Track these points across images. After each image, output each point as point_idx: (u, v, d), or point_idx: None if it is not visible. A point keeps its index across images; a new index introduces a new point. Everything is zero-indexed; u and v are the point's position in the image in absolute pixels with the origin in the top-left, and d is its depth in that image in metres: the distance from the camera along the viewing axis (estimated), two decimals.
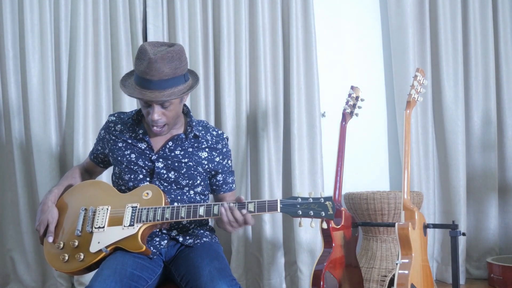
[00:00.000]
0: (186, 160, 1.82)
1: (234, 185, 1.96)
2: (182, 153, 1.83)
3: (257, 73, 3.01)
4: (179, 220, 1.67)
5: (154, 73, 1.63)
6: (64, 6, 2.83)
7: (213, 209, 1.65)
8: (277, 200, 1.61)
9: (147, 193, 1.73)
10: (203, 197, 1.89)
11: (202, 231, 1.87)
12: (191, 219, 1.66)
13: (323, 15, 3.30)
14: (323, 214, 1.58)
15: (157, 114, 1.69)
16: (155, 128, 1.74)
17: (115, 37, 2.88)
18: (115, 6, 2.87)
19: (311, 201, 1.60)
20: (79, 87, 2.78)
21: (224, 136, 1.93)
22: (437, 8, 3.30)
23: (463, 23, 3.33)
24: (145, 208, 1.68)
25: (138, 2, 2.90)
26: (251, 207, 1.63)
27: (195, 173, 1.83)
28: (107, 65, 2.88)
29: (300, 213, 1.59)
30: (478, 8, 3.33)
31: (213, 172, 1.89)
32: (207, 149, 1.87)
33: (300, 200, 1.61)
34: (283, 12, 3.11)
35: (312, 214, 1.59)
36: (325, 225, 1.65)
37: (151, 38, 2.90)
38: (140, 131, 1.83)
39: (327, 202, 1.59)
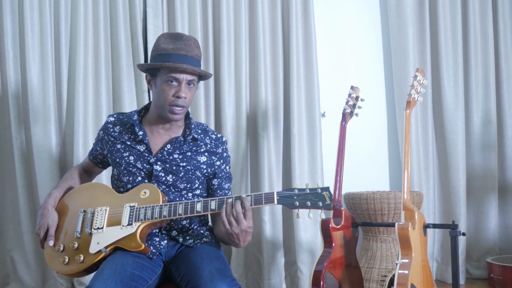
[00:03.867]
0: (184, 164, 1.81)
1: (230, 192, 1.93)
2: (180, 156, 1.82)
3: (257, 73, 3.01)
4: (177, 217, 1.67)
5: (189, 49, 1.76)
6: (64, 6, 2.83)
7: (210, 204, 1.65)
8: (273, 192, 1.61)
9: (145, 192, 1.73)
10: (201, 199, 1.88)
11: (202, 231, 1.87)
12: (189, 215, 1.66)
13: (323, 15, 3.30)
14: (321, 204, 1.58)
15: (184, 92, 1.75)
16: (176, 109, 1.76)
17: (115, 37, 2.89)
18: (115, 6, 2.87)
19: (308, 191, 1.59)
20: (79, 87, 2.78)
21: (224, 140, 1.92)
22: (437, 8, 3.30)
23: (463, 23, 3.33)
24: (143, 207, 1.69)
25: (138, 2, 2.91)
26: (248, 199, 1.62)
27: (193, 177, 1.82)
28: (107, 65, 2.89)
29: (297, 204, 1.59)
30: (478, 8, 3.33)
31: (211, 175, 1.87)
32: (206, 153, 1.85)
33: (297, 191, 1.60)
34: (283, 12, 3.11)
35: (309, 204, 1.58)
36: (323, 215, 1.64)
37: (151, 38, 2.90)
38: (140, 132, 1.82)
39: (324, 192, 1.58)
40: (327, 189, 1.59)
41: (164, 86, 1.75)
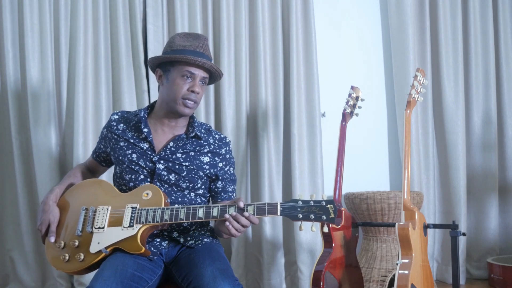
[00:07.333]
0: (187, 163, 1.81)
1: (234, 194, 1.94)
2: (183, 156, 1.82)
3: (257, 73, 3.01)
4: (179, 222, 1.66)
5: (205, 48, 1.83)
6: (64, 6, 2.83)
7: (212, 211, 1.64)
8: (277, 203, 1.59)
9: (147, 194, 1.73)
10: (204, 199, 1.88)
11: (203, 232, 1.87)
12: (190, 220, 1.65)
13: (323, 15, 3.30)
14: (324, 218, 1.55)
15: (198, 87, 1.79)
16: (189, 102, 1.79)
17: (115, 37, 2.88)
18: (115, 6, 2.87)
19: (312, 204, 1.57)
20: (79, 87, 2.78)
21: (227, 141, 1.92)
22: (437, 8, 3.30)
23: (463, 23, 3.33)
24: (144, 209, 1.68)
25: (138, 2, 2.90)
26: (250, 209, 1.61)
27: (196, 176, 1.82)
28: (107, 65, 2.88)
29: (301, 216, 1.57)
30: (478, 8, 3.33)
31: (213, 177, 1.87)
32: (209, 154, 1.86)
33: (301, 203, 1.58)
34: (283, 12, 3.11)
35: (312, 217, 1.56)
36: (326, 229, 1.62)
37: (151, 38, 2.90)
38: (145, 130, 1.82)
39: (328, 205, 1.56)
40: (331, 202, 1.57)
41: (179, 80, 1.78)
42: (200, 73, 1.79)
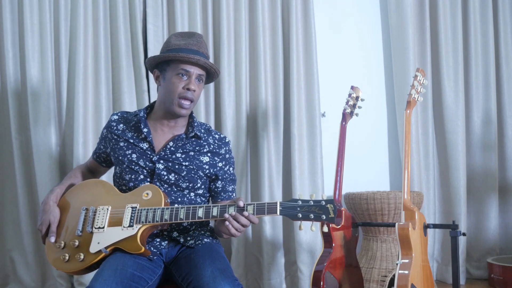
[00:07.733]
0: (187, 163, 1.82)
1: (234, 194, 1.94)
2: (183, 156, 1.82)
3: (257, 73, 3.01)
4: (178, 221, 1.66)
5: (200, 45, 1.82)
6: (64, 6, 2.83)
7: (212, 211, 1.64)
8: (276, 203, 1.59)
9: (147, 194, 1.73)
10: (204, 199, 1.89)
11: (203, 232, 1.87)
12: (190, 220, 1.66)
13: (323, 15, 3.30)
14: (324, 218, 1.55)
15: (194, 85, 1.78)
16: (185, 103, 1.79)
17: (115, 37, 2.88)
18: (115, 6, 2.87)
19: (312, 203, 1.57)
20: (79, 87, 2.78)
21: (227, 141, 1.92)
22: (437, 8, 3.30)
23: (463, 23, 3.33)
24: (144, 209, 1.68)
25: (138, 2, 2.90)
26: (250, 209, 1.61)
27: (196, 176, 1.83)
28: (107, 65, 2.88)
29: (300, 216, 1.57)
30: (478, 8, 3.33)
31: (213, 176, 1.88)
32: (209, 154, 1.86)
33: (300, 202, 1.58)
34: (283, 12, 3.11)
35: (312, 217, 1.56)
36: (325, 229, 1.61)
37: (151, 38, 2.90)
38: (145, 130, 1.83)
39: (328, 205, 1.56)
40: (331, 201, 1.57)
41: (174, 79, 1.78)
42: (195, 71, 1.80)
